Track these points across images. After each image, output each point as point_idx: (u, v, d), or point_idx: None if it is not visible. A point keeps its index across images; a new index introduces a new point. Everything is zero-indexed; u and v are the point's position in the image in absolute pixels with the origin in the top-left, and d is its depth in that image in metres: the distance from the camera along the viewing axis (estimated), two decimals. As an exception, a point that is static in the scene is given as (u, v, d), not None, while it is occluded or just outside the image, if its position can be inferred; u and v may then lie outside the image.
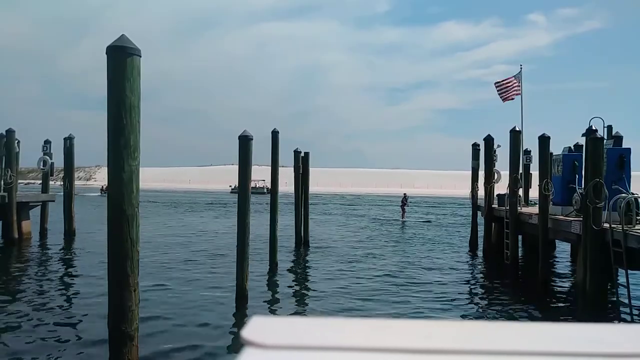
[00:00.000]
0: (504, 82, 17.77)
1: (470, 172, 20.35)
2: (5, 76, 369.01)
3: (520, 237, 16.02)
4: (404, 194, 34.90)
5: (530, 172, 20.27)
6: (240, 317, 9.43)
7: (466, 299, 11.78)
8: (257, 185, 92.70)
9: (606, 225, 10.14)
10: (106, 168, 5.67)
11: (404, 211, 33.16)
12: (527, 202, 19.11)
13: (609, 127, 15.07)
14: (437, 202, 71.27)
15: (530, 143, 21.71)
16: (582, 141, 12.56)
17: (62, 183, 22.30)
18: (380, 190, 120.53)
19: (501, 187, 17.18)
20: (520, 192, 16.44)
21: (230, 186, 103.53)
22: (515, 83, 17.67)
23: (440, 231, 27.28)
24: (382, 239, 22.79)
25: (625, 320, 9.82)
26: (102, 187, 73.81)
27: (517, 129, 15.51)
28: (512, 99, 17.68)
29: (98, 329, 7.58)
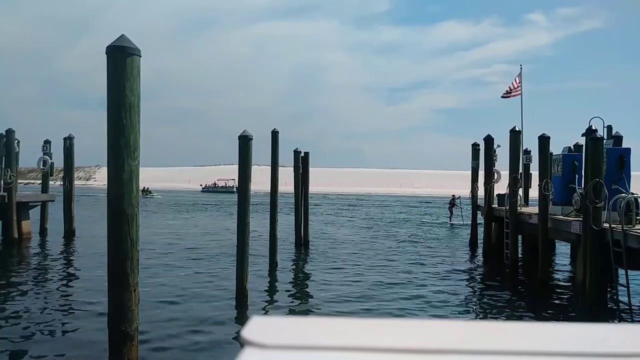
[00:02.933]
0: (509, 89, 17.77)
1: (470, 172, 20.36)
2: (5, 76, 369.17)
3: (520, 237, 16.03)
4: (453, 195, 34.00)
5: (530, 172, 20.28)
6: (240, 317, 9.43)
7: (466, 299, 11.78)
8: (227, 185, 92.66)
9: (606, 225, 10.14)
10: (106, 168, 5.68)
11: (451, 213, 32.74)
12: (527, 202, 19.12)
13: (609, 127, 15.08)
14: (438, 201, 71.33)
15: (530, 143, 21.70)
16: (582, 141, 12.57)
17: (62, 183, 22.31)
18: (381, 190, 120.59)
19: (501, 187, 17.19)
20: (520, 192, 16.44)
21: (200, 185, 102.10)
22: (516, 84, 17.68)
23: (440, 231, 27.29)
24: (382, 240, 22.80)
25: (625, 320, 9.83)
26: (145, 187, 72.32)
27: (517, 128, 15.52)
28: (508, 97, 17.72)
29: (98, 329, 7.58)
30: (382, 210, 47.54)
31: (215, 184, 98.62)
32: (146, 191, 68.62)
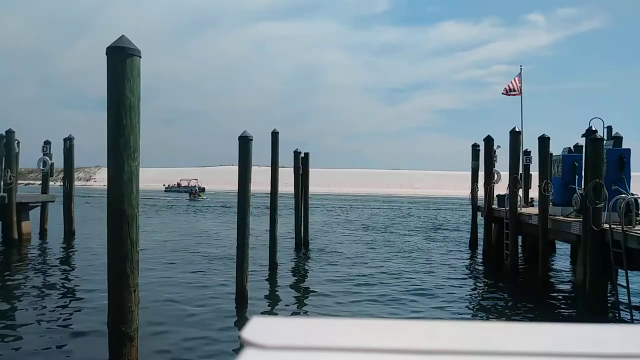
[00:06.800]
0: (508, 87, 17.81)
1: (470, 172, 20.36)
2: (4, 77, 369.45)
3: (520, 237, 16.02)
4: None
5: (530, 172, 20.28)
6: (240, 317, 9.43)
7: (466, 299, 11.78)
8: (190, 184, 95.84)
9: (606, 225, 10.14)
10: (106, 168, 5.68)
11: None
12: (527, 203, 19.12)
13: (609, 128, 15.10)
14: (438, 202, 71.34)
15: (530, 143, 21.73)
16: (582, 142, 12.57)
17: (62, 184, 22.31)
18: (381, 191, 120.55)
19: (501, 187, 17.19)
20: (520, 192, 16.44)
21: (164, 185, 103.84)
22: (517, 83, 17.71)
23: (440, 231, 27.29)
24: (381, 240, 22.80)
25: (625, 321, 9.82)
26: (191, 190, 72.44)
27: (517, 129, 15.52)
28: (511, 95, 17.75)
29: (98, 330, 7.58)
30: (382, 211, 47.52)
31: (178, 183, 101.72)
32: (195, 193, 68.63)
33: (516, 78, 17.79)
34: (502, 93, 17.90)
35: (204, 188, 79.70)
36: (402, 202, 70.18)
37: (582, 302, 10.88)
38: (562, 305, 11.52)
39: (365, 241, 22.16)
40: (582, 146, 13.05)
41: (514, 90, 17.67)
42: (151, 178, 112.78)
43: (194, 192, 69.20)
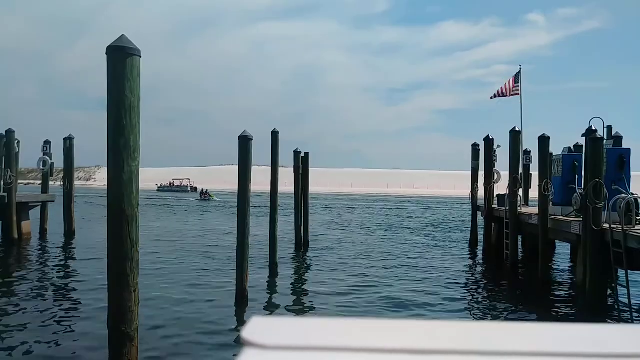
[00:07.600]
0: (500, 90, 17.78)
1: (470, 172, 20.36)
2: (4, 76, 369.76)
3: (520, 237, 16.02)
4: None
5: (530, 172, 20.28)
6: (240, 317, 9.44)
7: (466, 299, 11.78)
8: (182, 184, 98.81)
9: (606, 225, 10.14)
10: (106, 168, 5.68)
11: None
12: (527, 203, 19.12)
13: (609, 128, 15.09)
14: (439, 202, 71.35)
15: (530, 143, 21.72)
16: (582, 141, 12.57)
17: (62, 183, 22.32)
18: (381, 191, 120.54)
19: (501, 187, 17.19)
20: (520, 192, 16.44)
21: (156, 184, 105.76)
22: (512, 84, 17.69)
23: (440, 232, 27.29)
24: (381, 240, 22.80)
25: (625, 321, 9.82)
26: (203, 190, 72.77)
27: (517, 129, 15.52)
28: (510, 95, 17.72)
29: (98, 329, 7.58)
30: (382, 211, 47.52)
31: (171, 183, 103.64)
32: (205, 194, 68.58)
33: (511, 79, 17.76)
34: (491, 98, 17.87)
35: (196, 187, 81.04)
36: (402, 202, 70.20)
37: (582, 302, 10.88)
38: (562, 305, 11.51)
39: (365, 241, 22.17)
40: (582, 146, 13.04)
41: (504, 94, 17.62)
42: (150, 178, 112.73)
43: (205, 193, 69.18)
